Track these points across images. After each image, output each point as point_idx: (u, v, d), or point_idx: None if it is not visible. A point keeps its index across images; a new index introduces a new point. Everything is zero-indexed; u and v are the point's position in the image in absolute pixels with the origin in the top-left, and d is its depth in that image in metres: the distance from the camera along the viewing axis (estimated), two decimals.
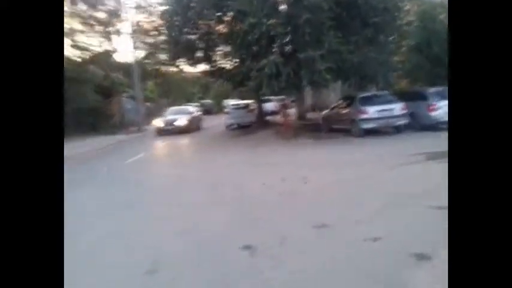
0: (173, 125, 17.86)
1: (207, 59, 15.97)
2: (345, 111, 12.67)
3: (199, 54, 15.65)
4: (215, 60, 16.28)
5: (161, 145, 15.23)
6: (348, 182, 6.20)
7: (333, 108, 14.05)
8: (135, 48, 23.95)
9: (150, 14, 16.78)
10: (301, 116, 19.89)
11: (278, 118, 21.03)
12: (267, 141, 12.75)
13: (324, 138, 12.16)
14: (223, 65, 16.32)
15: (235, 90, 21.02)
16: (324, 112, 14.27)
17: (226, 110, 21.47)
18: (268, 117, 20.83)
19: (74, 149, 14.26)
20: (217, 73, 16.89)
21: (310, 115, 20.56)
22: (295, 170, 7.51)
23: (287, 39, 11.48)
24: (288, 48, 12.03)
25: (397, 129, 11.65)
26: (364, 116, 11.33)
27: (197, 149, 13.03)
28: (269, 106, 22.95)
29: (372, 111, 11.31)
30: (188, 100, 39.57)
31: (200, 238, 4.14)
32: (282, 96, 30.23)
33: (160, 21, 15.59)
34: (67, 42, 25.48)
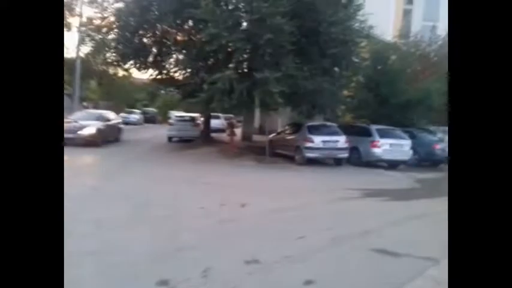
0: (77, 133, 12.90)
1: (158, 65, 15.18)
2: (291, 137, 12.62)
3: (150, 59, 14.87)
4: (167, 68, 15.53)
5: (80, 150, 13.50)
6: (286, 212, 5.84)
7: (279, 133, 13.98)
8: (82, 44, 22.36)
9: (104, 9, 15.56)
10: (247, 137, 19.65)
11: (223, 136, 20.61)
12: (208, 159, 12.15)
13: (267, 162, 11.91)
14: (174, 74, 15.63)
15: (183, 102, 20.14)
16: (271, 136, 14.12)
17: (170, 121, 20.52)
18: (214, 134, 20.29)
19: None
20: (167, 81, 16.13)
21: (256, 137, 20.45)
22: (234, 193, 7.05)
23: (245, 57, 11.16)
24: (244, 66, 11.73)
25: (338, 162, 11.80)
26: (309, 145, 11.32)
27: (125, 160, 11.19)
28: (216, 123, 22.48)
29: (317, 140, 11.34)
30: (131, 106, 37.74)
31: (103, 266, 3.43)
32: (230, 115, 30.00)
33: (113, 19, 14.54)
34: None
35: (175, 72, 15.58)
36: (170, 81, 15.96)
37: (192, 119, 19.08)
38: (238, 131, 19.08)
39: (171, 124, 19.17)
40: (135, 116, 34.50)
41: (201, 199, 6.36)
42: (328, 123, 12.78)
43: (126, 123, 31.77)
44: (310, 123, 12.20)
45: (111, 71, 26.70)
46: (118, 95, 34.41)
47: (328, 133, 11.72)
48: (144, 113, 37.56)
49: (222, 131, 25.39)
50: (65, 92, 24.71)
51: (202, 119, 19.71)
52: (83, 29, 22.02)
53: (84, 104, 30.74)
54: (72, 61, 22.21)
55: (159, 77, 15.92)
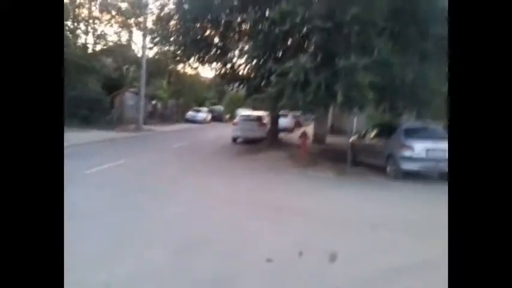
0: None
1: (222, 58, 13.56)
2: (379, 142, 10.05)
3: (213, 51, 13.34)
4: (231, 60, 13.81)
5: (148, 152, 12.63)
6: (409, 273, 3.54)
7: (362, 136, 11.41)
8: (148, 40, 21.77)
9: None
10: (319, 139, 17.26)
11: (292, 136, 18.53)
12: (277, 168, 10.09)
13: (350, 173, 9.47)
14: (239, 67, 13.88)
15: (250, 98, 18.32)
16: (352, 139, 11.59)
17: (234, 120, 18.97)
18: (281, 134, 18.24)
19: None
20: (231, 76, 14.45)
21: (329, 139, 17.98)
22: (314, 229, 4.88)
23: (323, 40, 8.74)
24: (323, 51, 9.34)
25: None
26: (408, 154, 8.64)
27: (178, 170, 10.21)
28: (283, 121, 20.44)
29: (419, 148, 8.63)
30: (200, 104, 37.38)
31: None
32: (297, 113, 27.50)
33: (173, 7, 13.25)
34: (83, 28, 23.61)
35: (240, 65, 13.85)
36: (235, 76, 14.27)
37: (258, 119, 17.33)
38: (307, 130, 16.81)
39: (235, 124, 17.65)
40: (202, 114, 34.13)
41: (269, 239, 4.36)
42: (431, 125, 9.87)
43: (193, 121, 31.57)
44: (407, 125, 9.50)
45: (179, 69, 26.17)
46: (187, 93, 34.17)
47: (432, 138, 8.90)
48: (211, 111, 37.06)
49: (289, 131, 23.35)
50: (132, 90, 24.76)
51: (269, 118, 17.86)
52: (152, 24, 21.44)
53: (153, 102, 30.81)
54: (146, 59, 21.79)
55: (222, 70, 14.38)
